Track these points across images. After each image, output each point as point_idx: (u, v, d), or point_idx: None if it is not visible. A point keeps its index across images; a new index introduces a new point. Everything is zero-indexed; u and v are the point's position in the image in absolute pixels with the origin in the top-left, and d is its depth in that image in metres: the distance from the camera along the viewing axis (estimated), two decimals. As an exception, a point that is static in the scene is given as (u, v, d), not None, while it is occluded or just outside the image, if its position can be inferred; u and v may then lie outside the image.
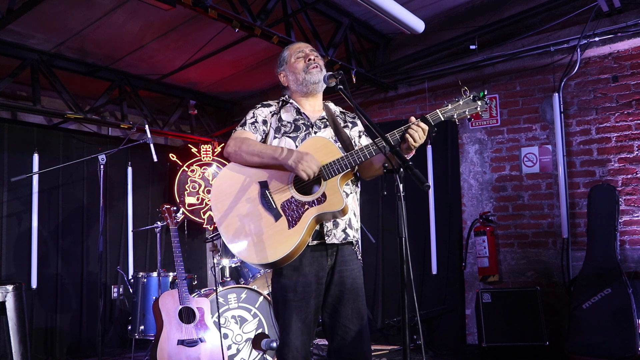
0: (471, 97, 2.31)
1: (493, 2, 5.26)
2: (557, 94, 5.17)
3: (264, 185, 2.37)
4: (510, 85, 5.51)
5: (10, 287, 4.05)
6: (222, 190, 2.44)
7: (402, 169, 1.99)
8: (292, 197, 2.33)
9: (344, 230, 2.42)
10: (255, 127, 2.51)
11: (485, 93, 2.30)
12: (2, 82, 4.92)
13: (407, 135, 2.28)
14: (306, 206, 2.30)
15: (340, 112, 2.65)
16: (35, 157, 5.53)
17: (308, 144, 2.40)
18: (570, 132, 5.21)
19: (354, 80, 5.33)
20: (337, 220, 2.41)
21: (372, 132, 2.27)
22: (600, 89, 5.09)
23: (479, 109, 2.31)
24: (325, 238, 2.39)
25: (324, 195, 2.30)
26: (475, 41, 5.16)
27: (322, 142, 2.40)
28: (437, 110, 2.32)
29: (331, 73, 2.40)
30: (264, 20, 4.31)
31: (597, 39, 4.87)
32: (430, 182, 5.72)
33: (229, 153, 2.47)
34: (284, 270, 2.39)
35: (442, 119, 2.31)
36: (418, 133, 2.27)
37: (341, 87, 2.29)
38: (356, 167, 2.41)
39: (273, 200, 2.35)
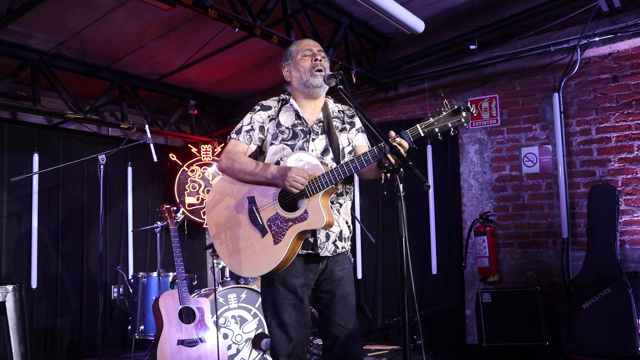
0: (455, 108, 2.15)
1: (493, 2, 5.26)
2: (557, 94, 5.17)
3: (251, 201, 2.42)
4: (510, 85, 5.51)
5: (10, 287, 4.06)
6: (215, 204, 2.52)
7: (402, 169, 1.99)
8: (277, 213, 2.37)
9: (334, 243, 2.45)
10: (250, 136, 2.51)
11: (469, 104, 2.14)
12: (2, 82, 4.92)
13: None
14: (289, 223, 2.34)
15: (339, 110, 2.63)
16: (35, 157, 5.53)
17: (291, 162, 2.40)
18: (570, 132, 5.21)
19: (354, 80, 5.32)
20: (328, 231, 2.43)
21: (372, 133, 2.26)
22: (600, 89, 5.09)
23: (463, 120, 2.15)
24: (319, 251, 2.41)
25: (306, 212, 2.32)
26: (475, 41, 5.17)
27: (304, 159, 2.39)
28: (417, 125, 2.18)
29: (331, 73, 2.40)
30: (264, 20, 4.31)
31: (597, 39, 4.87)
32: (430, 182, 5.71)
33: (222, 169, 2.51)
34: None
35: (422, 135, 2.18)
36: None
37: (341, 87, 2.29)
38: (339, 183, 2.38)
39: (260, 216, 2.40)
